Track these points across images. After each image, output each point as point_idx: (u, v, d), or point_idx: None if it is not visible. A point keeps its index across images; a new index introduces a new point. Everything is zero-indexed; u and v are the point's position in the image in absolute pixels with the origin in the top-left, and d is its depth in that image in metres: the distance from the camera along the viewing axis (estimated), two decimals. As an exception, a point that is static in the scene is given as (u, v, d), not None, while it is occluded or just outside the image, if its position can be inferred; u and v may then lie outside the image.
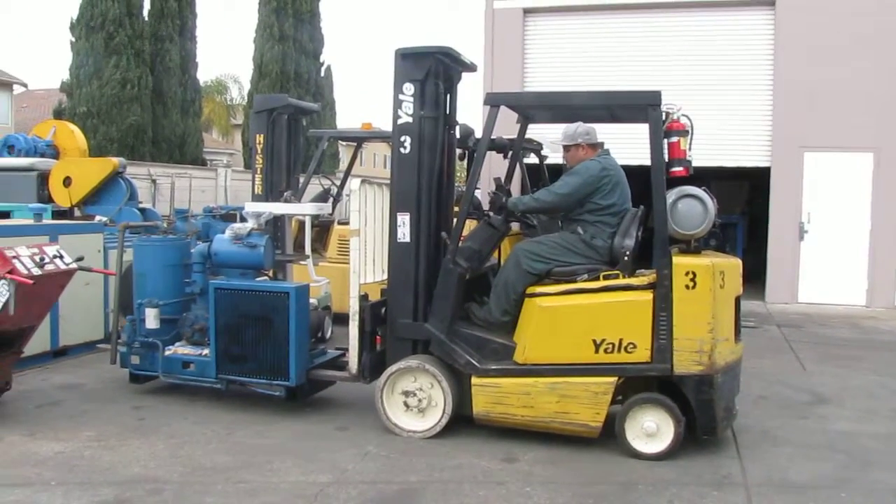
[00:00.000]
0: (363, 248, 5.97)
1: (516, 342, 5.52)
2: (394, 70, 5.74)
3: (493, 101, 5.59)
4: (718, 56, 13.26)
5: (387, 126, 8.03)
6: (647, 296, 5.23)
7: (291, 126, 8.03)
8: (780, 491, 4.85)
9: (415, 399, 5.64)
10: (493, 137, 6.00)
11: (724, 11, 13.42)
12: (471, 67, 6.10)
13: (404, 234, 5.75)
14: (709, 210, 5.33)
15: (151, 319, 6.31)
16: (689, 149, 5.36)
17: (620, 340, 5.25)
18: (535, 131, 13.05)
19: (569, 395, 5.32)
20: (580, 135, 5.74)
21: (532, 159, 11.56)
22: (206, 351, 6.24)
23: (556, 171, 10.92)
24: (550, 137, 11.41)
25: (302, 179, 9.39)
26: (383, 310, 5.92)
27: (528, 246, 5.64)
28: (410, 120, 5.70)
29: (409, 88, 5.69)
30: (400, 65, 5.71)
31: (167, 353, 6.33)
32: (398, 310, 5.80)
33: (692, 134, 5.36)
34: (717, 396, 5.21)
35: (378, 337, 5.97)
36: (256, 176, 7.90)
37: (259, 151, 7.84)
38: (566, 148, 5.82)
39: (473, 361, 5.53)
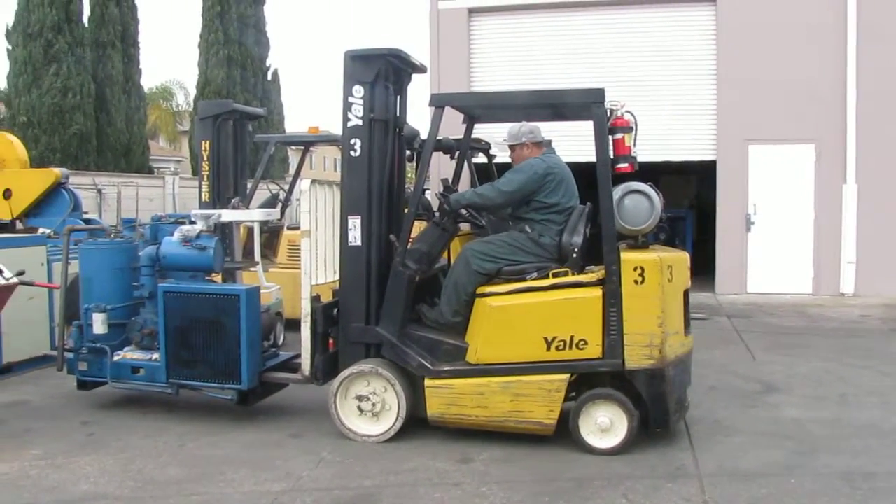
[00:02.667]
0: (314, 249, 5.92)
1: (468, 343, 5.52)
2: (343, 72, 5.70)
3: (438, 103, 5.59)
4: (663, 51, 13.38)
5: (335, 129, 7.97)
6: (597, 292, 5.27)
7: (237, 131, 7.93)
8: (732, 479, 4.91)
9: (368, 403, 5.60)
10: (439, 138, 6.01)
11: (668, 7, 13.54)
12: (420, 69, 6.08)
13: (355, 237, 5.72)
14: (655, 205, 5.39)
15: (99, 324, 6.18)
16: (634, 145, 5.40)
17: (572, 337, 5.28)
18: (484, 131, 13.17)
19: (522, 394, 5.33)
20: (524, 134, 5.76)
21: (481, 159, 11.61)
22: (155, 356, 6.14)
23: (506, 171, 11.04)
24: (499, 137, 11.57)
25: (250, 185, 9.29)
26: (335, 311, 5.87)
27: (477, 246, 5.63)
28: (360, 123, 5.66)
29: (358, 91, 5.65)
30: (349, 67, 5.67)
31: (116, 358, 6.20)
32: (350, 314, 5.76)
33: (636, 130, 5.40)
34: (668, 389, 5.26)
35: (331, 339, 5.92)
36: (203, 183, 7.79)
37: (205, 158, 7.73)
38: (511, 147, 5.84)
39: (426, 363, 5.52)
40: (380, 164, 5.71)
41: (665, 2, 13.59)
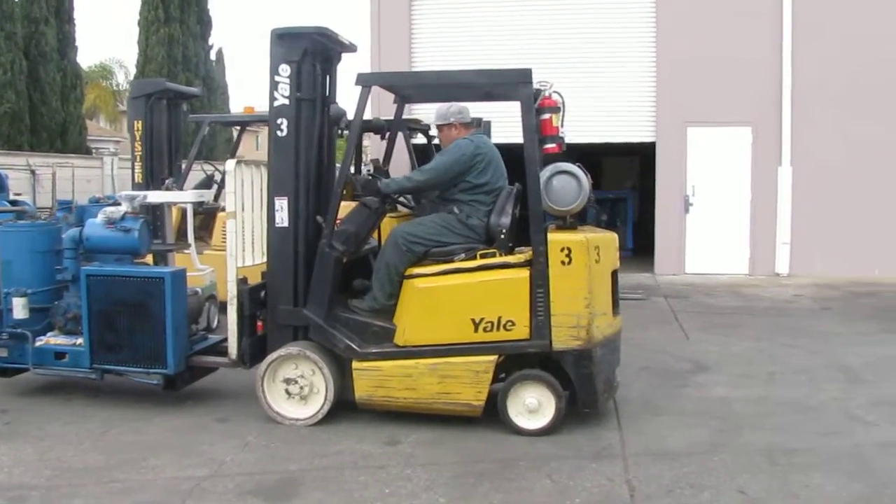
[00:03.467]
0: (240, 231, 5.81)
1: (396, 324, 5.48)
2: (269, 51, 5.58)
3: (364, 82, 5.50)
4: (605, 32, 13.40)
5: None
6: (524, 273, 5.25)
7: (171, 111, 7.73)
8: (656, 459, 4.95)
9: (296, 386, 5.53)
10: (369, 118, 5.93)
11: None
12: (350, 48, 5.98)
13: (282, 218, 5.61)
14: (583, 186, 5.37)
15: (19, 309, 5.98)
16: (562, 125, 5.38)
17: (499, 318, 5.26)
18: (424, 111, 13.13)
19: (450, 376, 5.30)
20: (452, 114, 5.73)
21: (420, 139, 11.56)
22: (80, 340, 5.98)
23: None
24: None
25: (184, 166, 9.10)
26: (263, 293, 5.79)
27: (407, 227, 5.59)
28: (287, 102, 5.55)
29: (284, 70, 5.53)
30: (276, 45, 5.55)
31: (38, 344, 6.02)
32: (278, 296, 5.67)
33: (564, 110, 5.39)
34: (596, 370, 5.28)
35: (259, 322, 5.84)
36: (136, 164, 7.60)
37: (138, 139, 7.51)
38: (439, 128, 5.81)
39: (353, 345, 5.46)
40: (307, 144, 5.61)
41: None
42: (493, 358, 5.29)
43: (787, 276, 12.73)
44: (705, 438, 5.31)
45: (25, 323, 6.03)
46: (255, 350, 5.76)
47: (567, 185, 5.37)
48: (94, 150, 30.25)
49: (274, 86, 5.57)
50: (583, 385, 5.29)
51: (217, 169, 10.95)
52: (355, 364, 5.45)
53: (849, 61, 12.48)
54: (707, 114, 13.07)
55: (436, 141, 10.96)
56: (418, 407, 5.42)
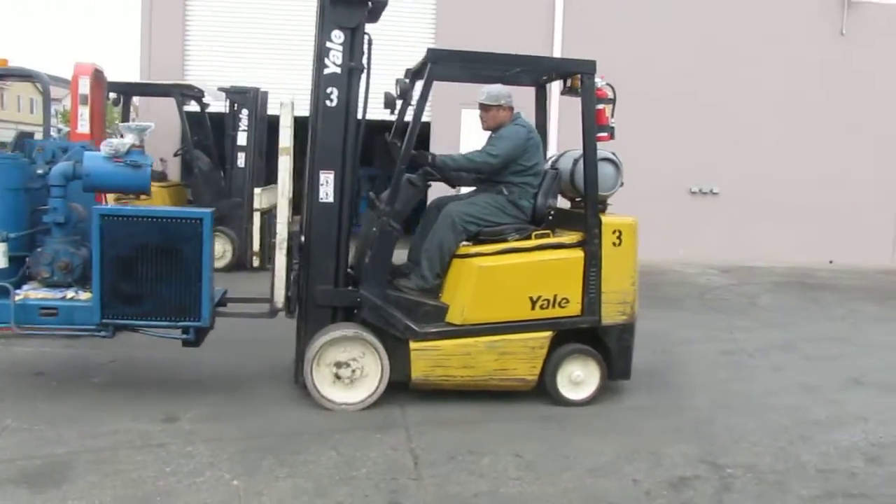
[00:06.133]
0: (292, 168, 5.48)
1: (448, 303, 5.50)
2: (319, 14, 5.26)
3: (436, 58, 5.41)
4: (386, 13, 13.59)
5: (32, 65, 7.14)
6: (579, 253, 5.57)
7: None
8: (437, 428, 5.16)
9: (347, 370, 5.33)
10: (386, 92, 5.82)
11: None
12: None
13: (327, 193, 5.35)
14: (620, 171, 5.81)
15: None
16: (612, 116, 5.73)
17: (555, 296, 5.52)
18: (198, 77, 12.46)
19: (508, 352, 5.47)
20: (503, 96, 5.82)
21: (193, 107, 11.08)
22: (68, 293, 5.29)
23: (217, 119, 10.65)
24: (215, 85, 11.08)
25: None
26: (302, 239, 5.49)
27: (463, 207, 5.61)
28: (339, 71, 5.29)
29: (338, 36, 5.26)
30: (330, 10, 5.24)
31: (17, 298, 5.15)
32: (318, 276, 5.40)
33: (615, 102, 5.74)
34: (633, 343, 5.75)
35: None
36: None
37: None
38: (486, 107, 5.85)
39: (412, 325, 5.39)
40: (355, 116, 5.39)
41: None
42: (549, 334, 5.54)
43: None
44: (481, 408, 5.53)
45: (2, 274, 5.18)
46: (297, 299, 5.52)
47: (606, 171, 5.75)
48: None
49: (324, 52, 5.29)
50: (622, 357, 5.72)
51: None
52: (413, 344, 5.38)
53: (617, 61, 13.90)
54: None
55: (212, 109, 10.65)
56: (473, 384, 5.51)
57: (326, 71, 5.29)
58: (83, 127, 8.65)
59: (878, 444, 5.14)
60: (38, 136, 8.39)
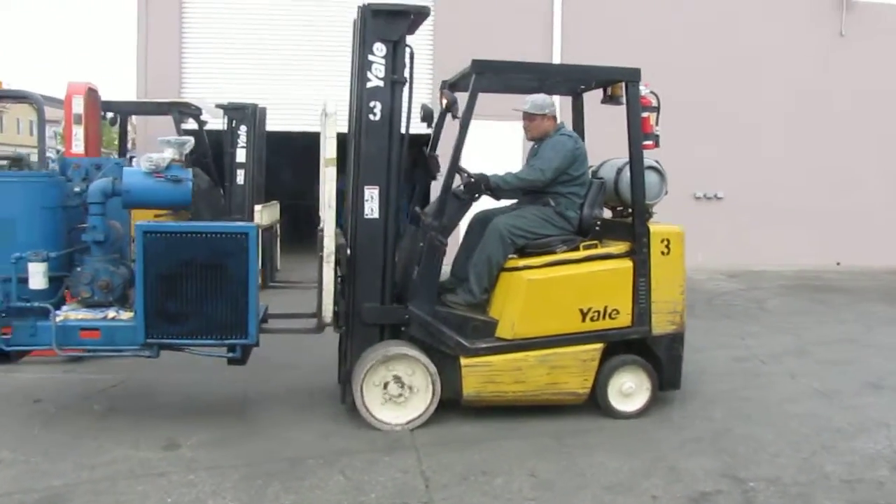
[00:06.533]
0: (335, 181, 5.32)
1: (497, 317, 5.40)
2: (361, 27, 5.15)
3: (480, 69, 5.31)
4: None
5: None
6: (628, 263, 5.49)
7: None
8: (448, 448, 4.99)
9: (398, 389, 5.21)
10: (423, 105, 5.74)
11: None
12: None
13: (372, 209, 5.23)
14: (665, 180, 5.75)
15: (39, 277, 4.94)
16: (657, 124, 5.67)
17: (605, 307, 5.44)
18: (195, 96, 12.29)
19: (559, 366, 5.37)
20: (548, 106, 5.76)
21: (191, 125, 10.93)
22: (110, 313, 5.12)
23: (216, 136, 10.53)
24: (213, 102, 10.95)
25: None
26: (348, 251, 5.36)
27: (509, 220, 5.51)
28: (382, 84, 5.16)
29: (380, 49, 5.14)
30: (371, 22, 5.12)
31: (57, 320, 4.97)
32: (365, 293, 5.26)
33: (660, 110, 5.68)
34: (682, 352, 5.68)
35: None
36: None
37: None
38: (531, 117, 5.77)
39: (463, 342, 5.28)
40: (398, 130, 5.28)
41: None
42: (600, 346, 5.46)
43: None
44: (496, 425, 5.39)
45: (41, 295, 4.99)
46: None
47: (651, 180, 5.69)
48: None
49: (366, 65, 5.16)
50: (672, 366, 5.65)
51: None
52: (464, 361, 5.27)
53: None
54: (480, 108, 13.72)
55: (210, 126, 10.50)
56: (525, 399, 5.40)
57: (369, 84, 5.16)
58: (77, 147, 8.47)
59: (903, 451, 5.07)
60: (34, 157, 8.21)
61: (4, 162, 5.69)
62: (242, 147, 10.87)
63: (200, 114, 11.33)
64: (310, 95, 12.96)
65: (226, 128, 11.00)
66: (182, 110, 11.00)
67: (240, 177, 10.89)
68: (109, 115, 11.24)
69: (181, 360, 5.45)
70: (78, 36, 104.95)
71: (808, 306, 10.42)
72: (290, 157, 13.93)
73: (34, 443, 4.83)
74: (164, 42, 12.75)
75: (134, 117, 12.37)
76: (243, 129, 10.83)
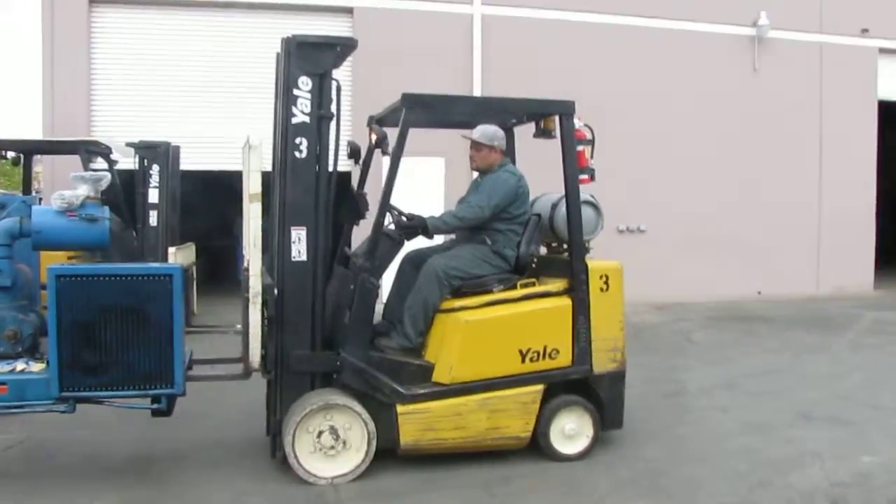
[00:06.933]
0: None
1: (432, 361, 5.17)
2: (286, 60, 4.91)
3: (410, 103, 5.11)
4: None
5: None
6: (567, 301, 5.34)
7: None
8: (373, 502, 4.76)
9: (330, 440, 4.90)
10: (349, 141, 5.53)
11: (305, 15, 13.49)
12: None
13: (299, 251, 4.95)
14: (601, 215, 5.63)
15: None
16: (592, 157, 5.55)
17: (545, 347, 5.27)
18: (104, 133, 11.85)
19: (500, 409, 5.16)
20: (497, 138, 5.57)
21: (100, 164, 10.52)
22: (19, 366, 4.72)
23: (126, 176, 10.25)
24: (123, 141, 10.58)
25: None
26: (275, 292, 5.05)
27: (443, 261, 5.29)
28: (307, 120, 4.92)
29: (305, 83, 4.90)
30: (295, 55, 4.89)
31: None
32: (293, 340, 4.97)
33: (594, 143, 5.56)
34: (623, 391, 5.52)
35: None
36: None
37: None
38: (478, 146, 5.58)
39: (399, 388, 5.02)
40: (325, 167, 5.04)
41: (301, 10, 13.52)
42: (541, 387, 5.27)
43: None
44: (419, 475, 5.12)
45: None
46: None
47: (588, 215, 5.56)
48: None
49: (291, 100, 4.92)
50: (613, 405, 5.49)
51: None
52: (401, 408, 5.01)
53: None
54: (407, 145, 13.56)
55: (121, 165, 10.11)
56: (466, 446, 5.16)
57: (294, 120, 4.91)
58: (-28, 189, 7.99)
59: (840, 484, 4.99)
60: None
61: None
62: (155, 187, 10.45)
63: (110, 153, 10.85)
64: (226, 133, 12.61)
65: (137, 167, 10.58)
66: (90, 149, 10.50)
67: (153, 218, 10.47)
68: (11, 154, 10.73)
69: (82, 416, 4.99)
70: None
71: (733, 337, 10.46)
72: (205, 197, 13.52)
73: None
74: (72, 79, 12.20)
75: (40, 157, 11.81)
76: (156, 168, 10.44)
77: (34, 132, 12.90)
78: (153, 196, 10.45)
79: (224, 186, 14.91)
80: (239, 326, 5.13)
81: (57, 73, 12.28)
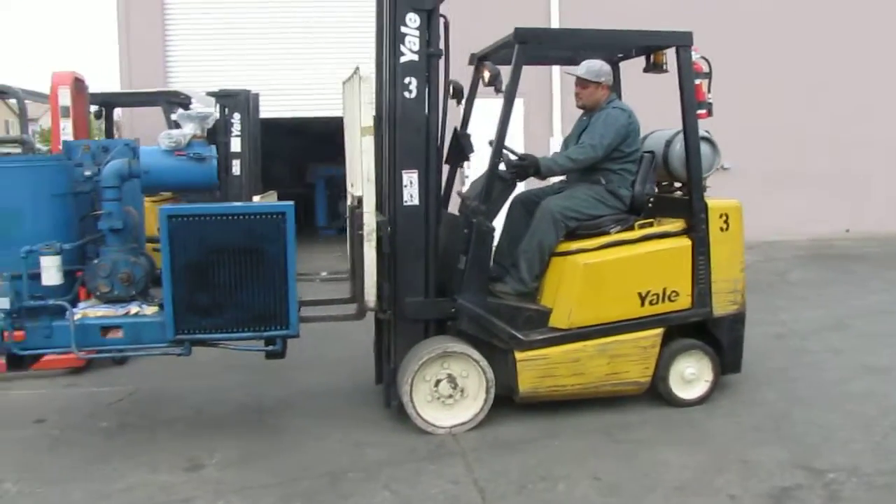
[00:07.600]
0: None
1: (550, 306, 5.01)
2: None
3: (524, 38, 4.88)
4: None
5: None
6: (686, 241, 5.14)
7: None
8: (497, 452, 4.61)
9: (448, 388, 4.82)
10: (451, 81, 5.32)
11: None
12: None
13: (412, 195, 4.80)
14: (718, 151, 5.38)
15: (53, 272, 4.42)
16: (709, 91, 5.28)
17: (664, 290, 5.08)
18: (182, 83, 11.79)
19: (619, 355, 5.01)
20: (604, 74, 5.33)
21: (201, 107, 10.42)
22: (132, 309, 4.64)
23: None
24: (203, 90, 10.49)
25: None
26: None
27: (562, 202, 5.10)
28: (416, 58, 4.72)
29: (413, 20, 4.70)
30: None
31: (75, 318, 4.49)
32: (407, 286, 4.85)
33: (711, 77, 5.28)
34: (743, 333, 5.32)
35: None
36: None
37: None
38: (584, 83, 5.33)
39: (517, 335, 4.88)
40: (435, 108, 4.86)
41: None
42: (660, 331, 5.10)
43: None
44: (541, 424, 4.98)
45: (56, 291, 4.52)
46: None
47: (704, 151, 5.31)
48: None
49: (399, 38, 4.72)
50: (733, 348, 5.31)
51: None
52: (519, 355, 4.88)
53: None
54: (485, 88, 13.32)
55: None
56: (584, 393, 5.03)
57: (403, 59, 4.71)
58: (66, 143, 7.98)
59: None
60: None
61: (6, 149, 5.20)
62: (237, 136, 10.37)
63: (190, 102, 10.82)
64: (301, 79, 12.53)
65: (218, 116, 10.51)
66: (171, 100, 10.47)
67: (236, 167, 10.39)
68: (94, 108, 10.75)
69: (187, 367, 4.98)
70: (54, 27, 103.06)
71: (831, 276, 10.09)
72: (278, 145, 13.47)
73: (40, 470, 4.40)
74: (147, 29, 12.15)
75: (118, 111, 11.82)
76: (237, 116, 10.32)
77: (112, 85, 12.95)
78: (235, 145, 10.37)
79: (295, 134, 14.88)
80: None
81: (132, 25, 12.22)
